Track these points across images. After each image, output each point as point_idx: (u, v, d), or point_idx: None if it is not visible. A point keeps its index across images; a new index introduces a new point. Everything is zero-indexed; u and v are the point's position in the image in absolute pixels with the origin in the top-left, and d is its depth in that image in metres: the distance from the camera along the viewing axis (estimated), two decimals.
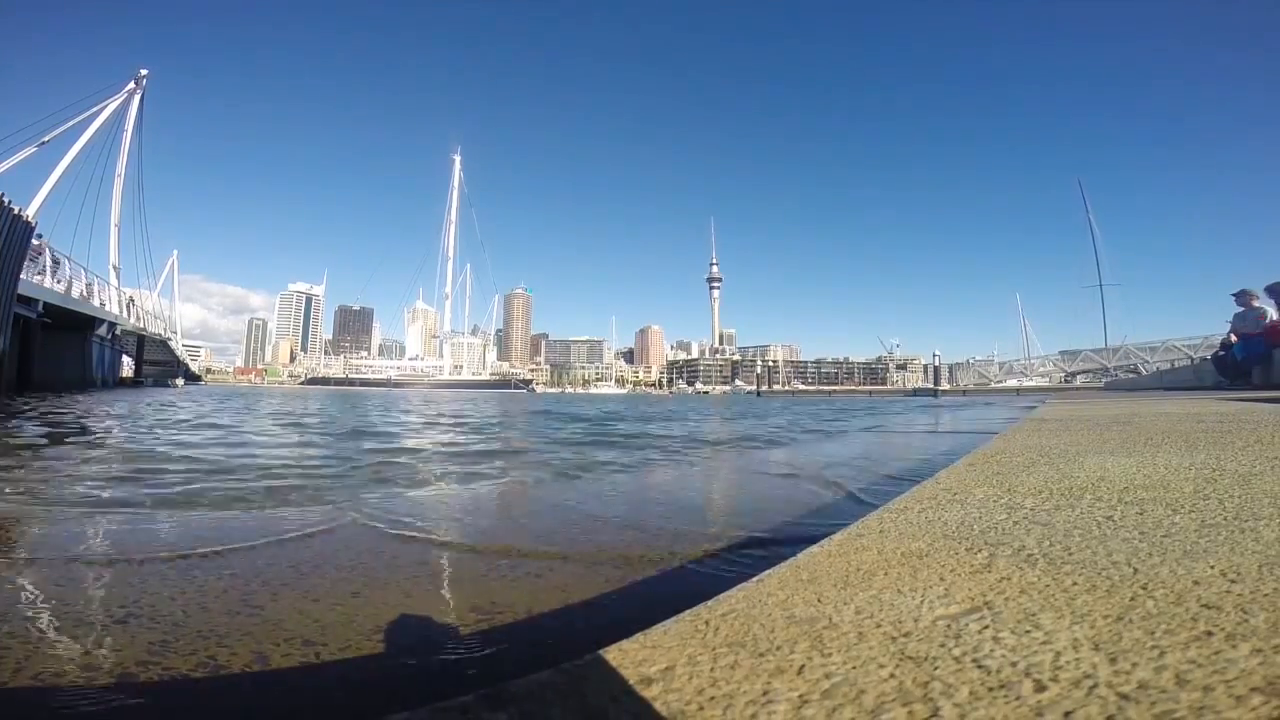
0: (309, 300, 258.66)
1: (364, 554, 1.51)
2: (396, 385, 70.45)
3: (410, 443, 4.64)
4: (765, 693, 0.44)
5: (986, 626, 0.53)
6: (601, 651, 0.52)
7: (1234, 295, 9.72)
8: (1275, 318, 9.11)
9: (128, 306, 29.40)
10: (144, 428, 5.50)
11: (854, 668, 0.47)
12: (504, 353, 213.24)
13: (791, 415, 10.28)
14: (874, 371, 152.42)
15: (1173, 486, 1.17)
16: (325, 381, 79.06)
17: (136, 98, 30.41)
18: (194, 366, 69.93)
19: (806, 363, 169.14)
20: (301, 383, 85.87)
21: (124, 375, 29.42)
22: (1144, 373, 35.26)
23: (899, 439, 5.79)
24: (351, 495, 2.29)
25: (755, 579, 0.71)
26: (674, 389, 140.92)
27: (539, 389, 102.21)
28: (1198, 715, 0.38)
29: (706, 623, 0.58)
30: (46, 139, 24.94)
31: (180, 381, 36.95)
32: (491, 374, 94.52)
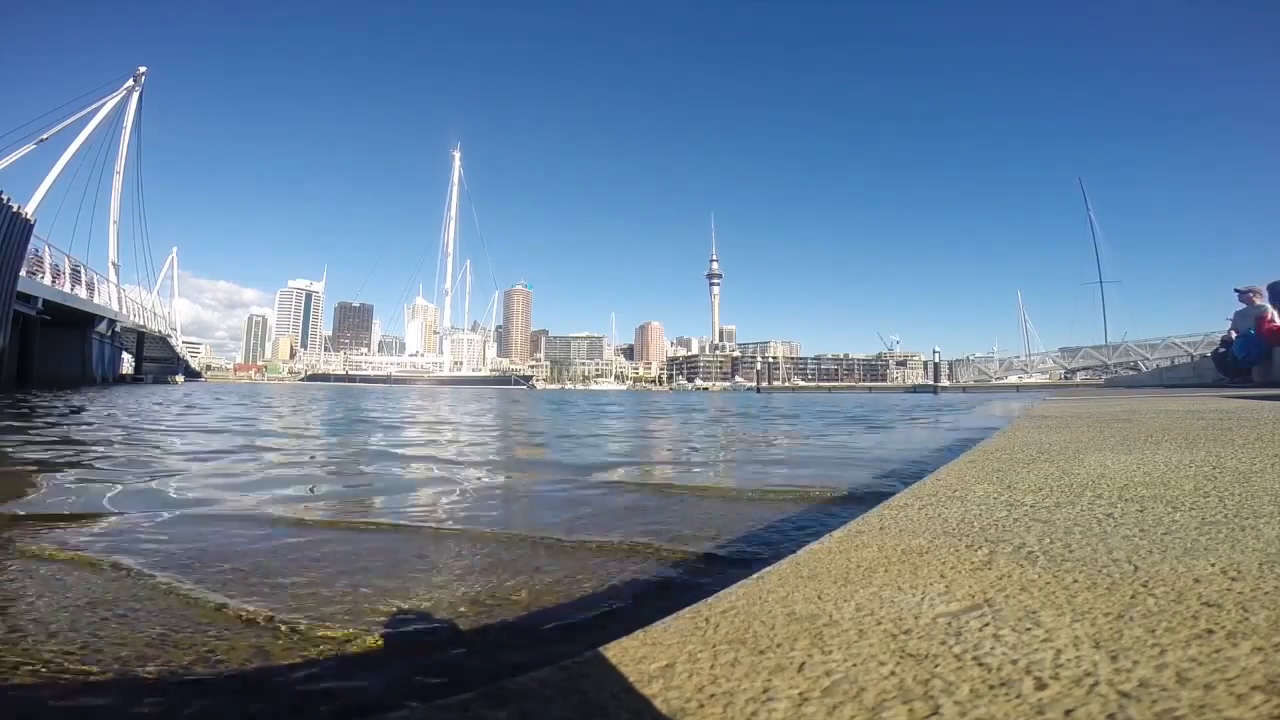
0: (309, 297, 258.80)
1: None
2: (397, 381, 70.41)
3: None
4: (765, 690, 0.44)
5: (987, 624, 0.53)
6: (601, 649, 0.52)
7: (1237, 291, 9.69)
8: (1276, 315, 9.08)
9: (127, 303, 29.36)
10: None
11: (854, 665, 0.46)
12: (504, 349, 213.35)
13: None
14: (874, 368, 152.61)
15: (1173, 484, 1.17)
16: (326, 378, 78.98)
17: (135, 95, 30.31)
18: (194, 363, 69.95)
19: (806, 359, 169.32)
20: (302, 379, 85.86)
21: (124, 372, 29.42)
22: (1144, 370, 35.21)
23: None
24: None
25: (755, 576, 0.71)
26: (674, 385, 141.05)
27: (539, 385, 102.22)
28: (1199, 714, 0.37)
29: (706, 620, 0.58)
30: (45, 136, 24.89)
31: (180, 378, 36.89)
32: (491, 370, 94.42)
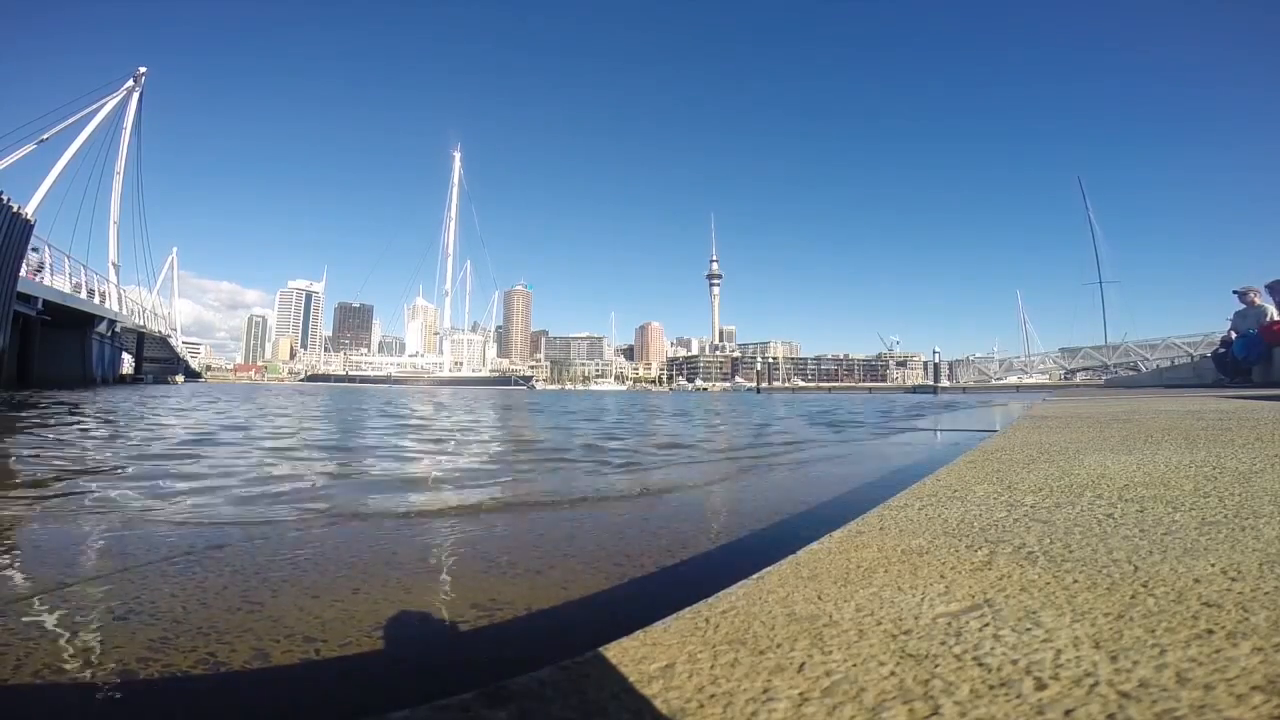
0: (309, 297, 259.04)
1: None
2: (397, 382, 70.34)
3: None
4: (765, 690, 0.44)
5: (987, 624, 0.53)
6: (602, 649, 0.52)
7: (1235, 292, 9.69)
8: (1276, 316, 9.09)
9: (127, 303, 29.36)
10: None
11: (854, 665, 0.46)
12: (504, 349, 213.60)
13: None
14: (874, 368, 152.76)
15: (1173, 484, 1.17)
16: (326, 379, 78.81)
17: (135, 95, 30.27)
18: (194, 363, 69.97)
19: (806, 359, 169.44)
20: (302, 380, 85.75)
21: (124, 372, 29.40)
22: (1144, 370, 35.21)
23: None
24: None
25: (755, 576, 0.71)
26: (674, 386, 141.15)
27: (539, 385, 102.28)
28: (1199, 714, 0.37)
29: (707, 620, 0.58)
30: (46, 136, 24.87)
31: (180, 378, 36.85)
32: (491, 370, 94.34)
